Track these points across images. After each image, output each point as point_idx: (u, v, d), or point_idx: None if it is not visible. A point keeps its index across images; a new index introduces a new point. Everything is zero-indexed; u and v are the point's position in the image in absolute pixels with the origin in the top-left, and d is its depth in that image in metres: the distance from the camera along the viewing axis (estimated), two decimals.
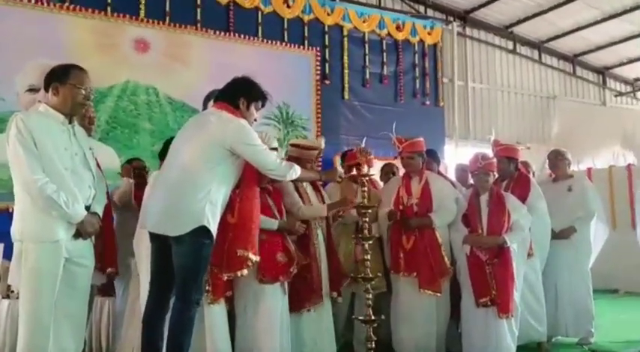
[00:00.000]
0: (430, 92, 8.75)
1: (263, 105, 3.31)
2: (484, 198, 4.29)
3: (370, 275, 3.61)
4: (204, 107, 6.51)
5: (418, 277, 4.13)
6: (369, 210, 3.70)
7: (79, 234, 2.75)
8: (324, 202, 4.17)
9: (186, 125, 3.25)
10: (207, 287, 3.33)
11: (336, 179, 3.71)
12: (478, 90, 10.02)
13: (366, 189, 3.69)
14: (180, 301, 2.95)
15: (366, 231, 3.65)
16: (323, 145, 4.21)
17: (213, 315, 3.44)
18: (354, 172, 3.97)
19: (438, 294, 4.15)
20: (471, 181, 5.03)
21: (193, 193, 2.93)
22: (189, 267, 2.93)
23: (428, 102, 8.69)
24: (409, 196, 4.31)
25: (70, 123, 2.82)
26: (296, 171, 3.24)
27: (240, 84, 3.24)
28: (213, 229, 2.98)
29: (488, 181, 4.30)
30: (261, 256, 3.53)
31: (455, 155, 9.11)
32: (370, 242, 3.67)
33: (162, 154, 3.52)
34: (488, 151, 4.76)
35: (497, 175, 4.52)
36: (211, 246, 2.99)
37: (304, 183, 4.08)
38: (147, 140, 6.43)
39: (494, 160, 4.40)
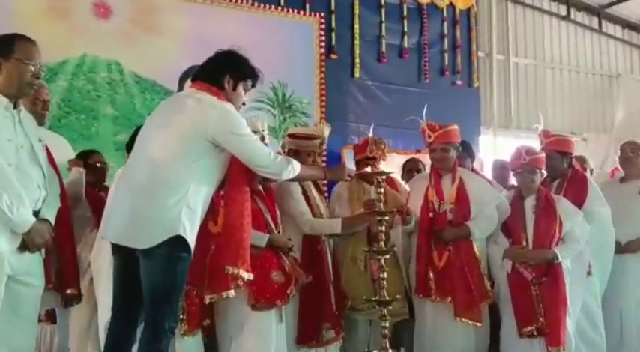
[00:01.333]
0: (462, 69, 8.73)
1: (253, 86, 3.32)
2: (529, 203, 4.32)
3: (387, 298, 3.63)
4: (180, 88, 6.50)
5: (453, 302, 4.15)
6: (386, 218, 3.71)
7: (26, 246, 2.75)
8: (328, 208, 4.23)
9: (156, 110, 3.25)
10: (180, 315, 3.34)
11: (344, 178, 3.71)
12: (522, 66, 9.99)
13: (382, 190, 3.69)
14: (149, 330, 2.93)
15: (382, 244, 3.66)
16: (327, 133, 4.24)
17: (187, 350, 3.45)
18: (368, 169, 3.96)
19: (478, 324, 4.17)
20: (513, 182, 5.06)
21: (166, 196, 2.92)
22: (161, 287, 2.92)
23: (459, 82, 8.68)
24: (441, 201, 4.32)
25: (15, 108, 2.82)
26: (294, 169, 3.24)
27: (225, 59, 3.24)
28: (191, 240, 2.98)
29: (534, 181, 4.33)
30: (254, 276, 3.57)
31: (492, 148, 9.11)
32: (387, 256, 3.69)
33: (130, 146, 3.53)
34: (535, 144, 4.80)
35: (545, 174, 4.53)
36: (189, 260, 2.99)
37: (308, 184, 4.13)
38: (108, 128, 6.43)
39: (543, 155, 4.43)
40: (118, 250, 3.05)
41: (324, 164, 6.75)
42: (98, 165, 4.50)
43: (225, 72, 3.17)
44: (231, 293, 3.28)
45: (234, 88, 3.18)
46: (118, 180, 3.34)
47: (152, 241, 2.89)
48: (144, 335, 2.94)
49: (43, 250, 2.90)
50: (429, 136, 4.38)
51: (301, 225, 3.92)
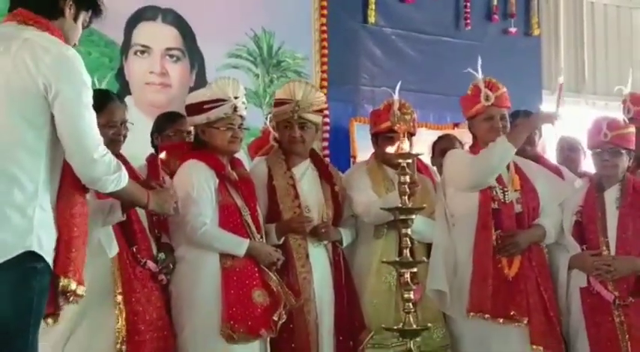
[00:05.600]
0: (517, 12, 8.73)
1: (90, 20, 3.21)
2: (611, 195, 4.34)
3: (415, 326, 3.63)
4: (127, 36, 6.53)
5: (529, 325, 4.18)
6: (413, 217, 3.71)
7: None
8: (336, 201, 4.30)
9: None
10: (120, 346, 3.45)
11: (166, 209, 3.51)
12: (600, 7, 9.99)
13: (407, 178, 3.67)
14: None
15: (406, 252, 3.67)
16: (300, 95, 4.23)
17: None
18: (390, 148, 3.94)
19: None
20: (585, 168, 5.05)
21: (7, 193, 2.86)
22: (9, 318, 2.86)
23: (513, 29, 8.69)
24: (504, 188, 4.34)
25: None
26: (122, 180, 3.09)
27: None
28: (49, 250, 2.94)
29: (618, 166, 4.34)
30: (229, 296, 3.66)
31: (559, 121, 9.09)
32: (414, 270, 3.72)
33: None
34: (619, 114, 4.77)
35: (632, 156, 4.52)
36: (48, 274, 2.93)
37: (303, 169, 4.27)
38: None
39: (631, 130, 4.41)
40: None
41: (325, 144, 6.79)
42: None
43: None
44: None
45: (75, 19, 3.11)
46: None
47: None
48: None
49: None
50: (487, 97, 4.33)
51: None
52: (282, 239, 4.11)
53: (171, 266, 3.83)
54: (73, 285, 3.00)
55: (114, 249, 3.54)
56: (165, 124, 4.76)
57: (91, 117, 2.98)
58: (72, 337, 3.47)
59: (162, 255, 3.80)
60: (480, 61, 4.37)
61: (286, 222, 4.16)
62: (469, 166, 4.33)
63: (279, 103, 4.30)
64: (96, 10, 3.18)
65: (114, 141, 3.68)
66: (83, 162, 2.98)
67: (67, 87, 2.91)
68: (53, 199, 2.99)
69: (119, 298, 3.52)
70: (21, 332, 2.88)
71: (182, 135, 4.61)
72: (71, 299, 3.05)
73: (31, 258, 2.85)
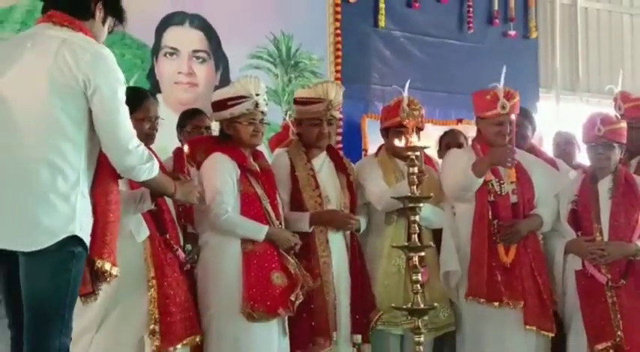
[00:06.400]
0: (516, 16, 8.69)
1: (114, 26, 3.20)
2: (605, 186, 4.33)
3: (422, 305, 3.67)
4: (157, 41, 6.58)
5: (524, 307, 4.20)
6: (420, 205, 3.75)
7: None
8: (352, 190, 4.33)
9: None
10: (153, 326, 3.44)
11: (191, 199, 3.51)
12: (594, 12, 9.94)
13: (416, 169, 3.68)
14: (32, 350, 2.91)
15: (415, 237, 3.71)
16: (332, 95, 4.26)
17: None
18: (399, 142, 3.97)
19: (551, 334, 4.26)
20: (580, 160, 5.00)
21: (53, 181, 2.87)
22: (48, 298, 2.90)
23: (512, 32, 8.64)
24: (500, 181, 4.34)
25: None
26: (153, 170, 3.11)
27: None
28: (87, 234, 2.96)
29: (611, 159, 4.33)
30: (250, 278, 3.67)
31: (555, 116, 9.09)
32: (422, 254, 3.75)
33: None
34: (610, 111, 4.76)
35: (623, 149, 4.49)
36: (83, 257, 2.96)
37: (321, 161, 4.29)
38: None
39: (623, 125, 4.39)
40: None
41: (339, 137, 6.74)
42: None
43: None
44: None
45: (103, 22, 3.11)
46: None
47: (41, 242, 2.85)
48: None
49: None
50: (504, 106, 4.30)
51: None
52: (312, 227, 4.11)
53: (196, 257, 3.85)
54: (108, 266, 3.05)
55: (142, 234, 3.54)
56: (185, 120, 4.81)
57: (125, 111, 3.01)
58: (106, 318, 3.46)
59: (189, 246, 3.82)
60: (504, 71, 4.33)
61: (328, 216, 4.17)
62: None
63: (309, 102, 4.25)
64: (119, 16, 3.17)
65: (149, 135, 3.70)
66: (119, 153, 3.01)
67: (104, 83, 2.93)
68: (90, 187, 3.01)
69: (152, 282, 3.51)
70: (58, 310, 2.91)
71: (200, 131, 4.64)
72: (107, 279, 3.10)
73: (72, 242, 2.88)
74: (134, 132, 3.04)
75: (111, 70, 2.97)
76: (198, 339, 3.67)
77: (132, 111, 3.21)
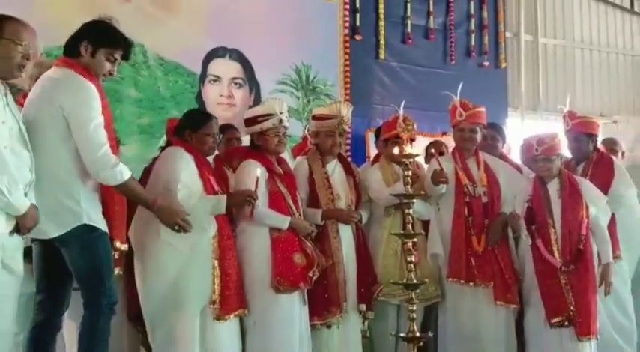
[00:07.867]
0: (489, 50, 8.65)
1: (125, 57, 3.22)
2: (553, 187, 4.29)
3: (415, 281, 3.72)
4: (204, 70, 6.58)
5: (494, 287, 4.22)
6: (413, 201, 3.80)
7: (18, 228, 2.74)
8: (358, 189, 4.33)
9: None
10: (213, 297, 3.49)
11: (172, 221, 3.33)
12: (551, 47, 9.88)
13: (409, 173, 3.75)
14: (88, 310, 3.07)
15: (409, 226, 3.76)
16: (344, 112, 4.28)
17: (218, 335, 3.54)
18: (396, 150, 4.03)
19: (514, 306, 4.27)
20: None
21: (60, 187, 2.98)
22: (87, 274, 3.04)
23: (486, 63, 8.60)
24: (474, 184, 4.35)
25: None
26: (123, 174, 3.03)
27: (85, 25, 3.17)
28: (98, 220, 3.04)
29: (551, 169, 4.28)
30: (276, 258, 3.70)
31: (520, 130, 9.01)
32: (414, 240, 3.80)
33: (180, 130, 3.69)
34: (557, 126, 4.77)
35: (564, 157, 4.52)
36: (105, 236, 3.06)
37: (333, 165, 4.28)
38: (132, 111, 6.40)
39: (556, 141, 4.33)
40: (39, 241, 3.08)
41: (347, 147, 6.75)
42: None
43: (83, 38, 3.09)
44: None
45: (94, 55, 3.09)
46: None
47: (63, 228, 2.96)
48: (85, 316, 3.07)
49: None
50: (460, 114, 4.35)
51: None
52: (324, 221, 4.12)
53: None
54: (117, 243, 3.17)
55: (212, 230, 3.57)
56: (220, 134, 4.72)
57: (94, 124, 2.97)
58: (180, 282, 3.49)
59: None
60: (460, 87, 4.38)
61: (336, 213, 4.17)
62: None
63: (325, 118, 4.25)
64: (113, 46, 3.14)
65: (212, 148, 3.75)
66: (88, 160, 2.99)
67: (72, 105, 2.96)
68: (97, 183, 3.05)
69: (216, 262, 3.53)
70: (98, 280, 3.05)
71: (232, 142, 4.54)
72: (117, 253, 3.25)
73: (86, 229, 2.97)
74: (105, 142, 2.98)
75: (77, 93, 2.98)
76: (246, 312, 3.69)
77: (199, 128, 3.43)
